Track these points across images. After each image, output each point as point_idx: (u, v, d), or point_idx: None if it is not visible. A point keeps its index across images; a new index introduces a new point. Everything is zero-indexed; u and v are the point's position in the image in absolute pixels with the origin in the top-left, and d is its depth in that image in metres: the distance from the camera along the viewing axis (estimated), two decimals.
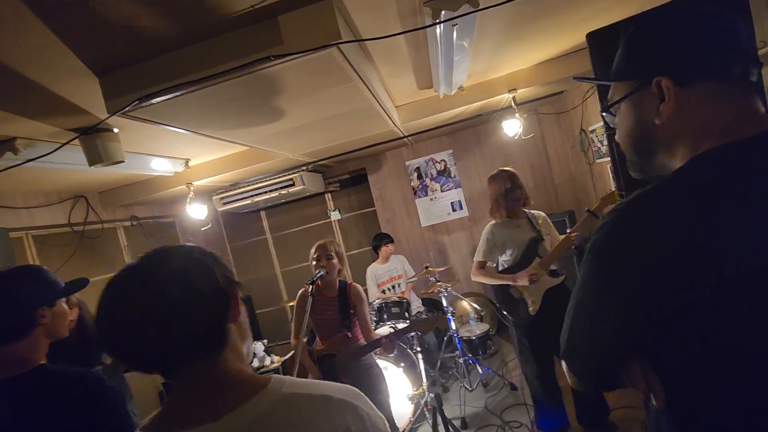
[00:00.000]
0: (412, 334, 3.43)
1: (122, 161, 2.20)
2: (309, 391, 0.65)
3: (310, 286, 2.24)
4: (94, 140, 2.09)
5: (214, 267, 0.69)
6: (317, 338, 2.58)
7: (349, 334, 2.44)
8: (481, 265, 2.77)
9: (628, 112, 0.76)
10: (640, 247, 0.62)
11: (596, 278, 0.68)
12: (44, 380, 1.15)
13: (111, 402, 1.16)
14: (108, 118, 1.70)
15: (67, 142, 2.02)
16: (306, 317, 2.12)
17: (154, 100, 1.65)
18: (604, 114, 0.84)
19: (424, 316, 3.92)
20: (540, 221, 2.74)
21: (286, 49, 1.53)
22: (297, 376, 2.02)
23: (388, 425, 0.71)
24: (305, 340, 2.28)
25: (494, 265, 2.80)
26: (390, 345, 2.29)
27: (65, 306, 1.29)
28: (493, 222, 2.77)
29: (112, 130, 2.14)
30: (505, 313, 2.78)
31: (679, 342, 0.63)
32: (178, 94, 1.65)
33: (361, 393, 0.71)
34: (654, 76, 0.70)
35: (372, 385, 2.45)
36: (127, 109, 1.65)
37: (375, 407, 0.70)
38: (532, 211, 2.78)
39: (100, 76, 1.64)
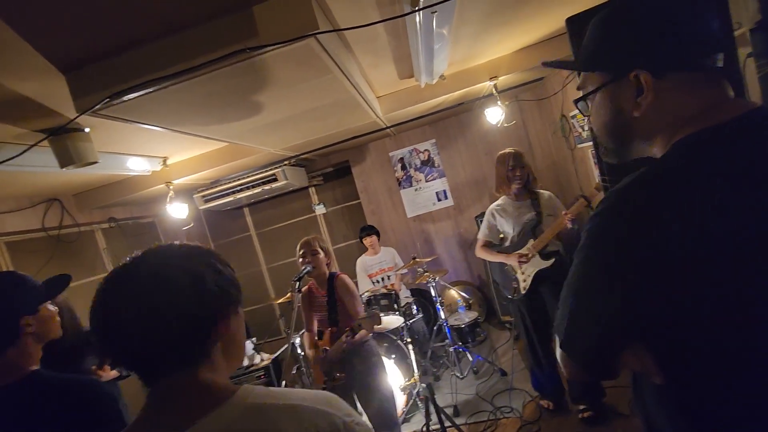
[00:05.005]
0: (401, 325, 3.44)
1: (96, 162, 2.12)
2: (275, 401, 0.63)
3: (297, 283, 2.21)
4: (64, 141, 2.00)
5: (204, 279, 0.66)
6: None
7: (334, 329, 2.42)
8: (484, 243, 2.92)
9: (604, 102, 0.76)
10: (633, 236, 0.63)
11: (593, 268, 0.69)
12: (38, 387, 1.12)
13: (107, 408, 1.14)
14: (77, 117, 1.63)
15: (34, 144, 1.93)
16: (294, 315, 2.09)
17: (125, 98, 1.58)
18: (578, 104, 0.83)
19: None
20: (544, 201, 2.78)
21: (262, 40, 1.47)
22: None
23: (372, 429, 0.69)
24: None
25: (503, 237, 2.89)
26: (350, 345, 2.30)
27: (51, 308, 1.25)
28: (495, 203, 2.89)
29: (83, 130, 2.06)
30: (501, 288, 2.95)
31: (676, 327, 0.63)
32: (150, 90, 1.58)
33: (339, 399, 0.68)
34: (631, 68, 0.70)
35: (372, 375, 2.43)
36: (97, 107, 1.57)
37: (356, 413, 0.68)
38: (538, 191, 2.83)
39: (66, 74, 1.56)
